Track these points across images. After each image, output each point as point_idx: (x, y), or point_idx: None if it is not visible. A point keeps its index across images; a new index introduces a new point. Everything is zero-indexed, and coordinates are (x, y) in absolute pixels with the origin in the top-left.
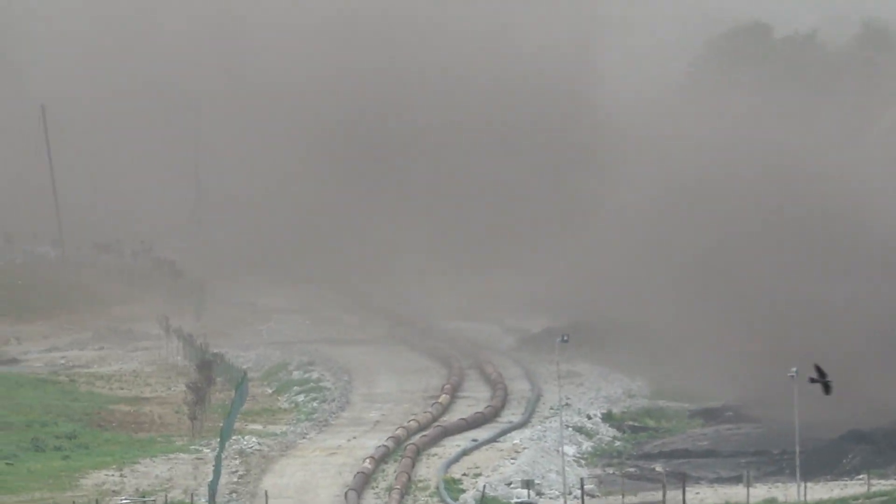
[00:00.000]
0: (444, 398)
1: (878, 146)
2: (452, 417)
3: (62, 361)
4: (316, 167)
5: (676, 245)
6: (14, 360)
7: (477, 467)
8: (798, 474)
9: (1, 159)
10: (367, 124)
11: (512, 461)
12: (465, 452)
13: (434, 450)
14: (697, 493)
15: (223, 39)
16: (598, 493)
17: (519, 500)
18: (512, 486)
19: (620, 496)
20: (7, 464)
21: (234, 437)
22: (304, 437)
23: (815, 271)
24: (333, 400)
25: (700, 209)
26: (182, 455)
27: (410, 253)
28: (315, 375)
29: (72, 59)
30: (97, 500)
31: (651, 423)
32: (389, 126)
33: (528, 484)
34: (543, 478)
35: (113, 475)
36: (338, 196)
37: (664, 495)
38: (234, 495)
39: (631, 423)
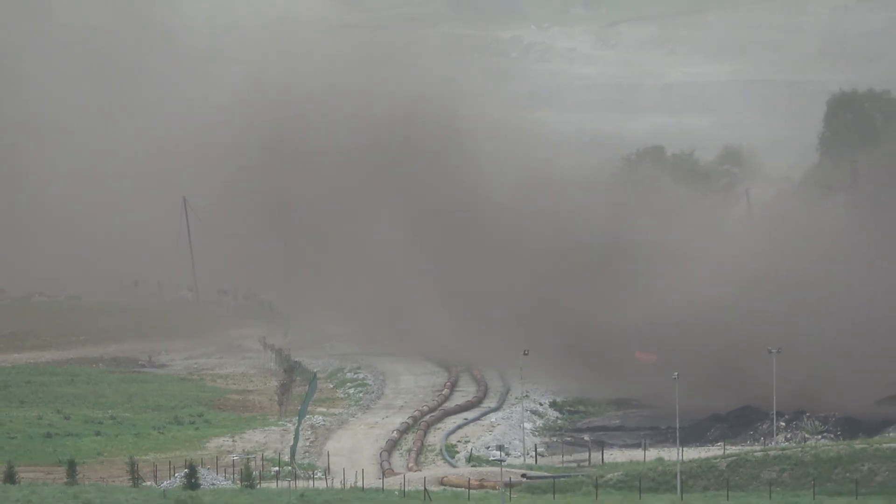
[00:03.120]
0: (445, 391)
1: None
2: (451, 404)
3: (195, 366)
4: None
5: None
6: (164, 365)
7: (467, 437)
8: (678, 442)
9: (155, 232)
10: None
11: (490, 433)
12: (460, 427)
13: (439, 425)
14: (611, 454)
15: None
16: (546, 454)
17: (494, 458)
18: (490, 448)
19: (561, 455)
20: (159, 433)
21: (307, 417)
22: (353, 417)
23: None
24: (373, 392)
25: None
26: (273, 428)
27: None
28: (361, 376)
29: (211, 161)
30: (216, 457)
31: (582, 408)
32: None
33: (500, 447)
34: (510, 443)
35: (227, 440)
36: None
37: (590, 455)
38: (307, 454)
39: (569, 408)
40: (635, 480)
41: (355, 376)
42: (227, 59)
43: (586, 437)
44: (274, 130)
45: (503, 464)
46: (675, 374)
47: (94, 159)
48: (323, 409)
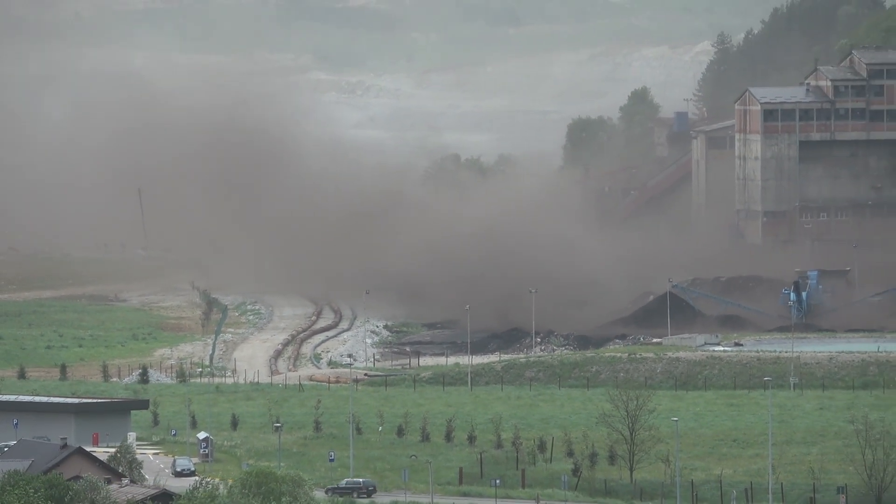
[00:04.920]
0: (313, 318)
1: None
2: (317, 326)
3: (146, 301)
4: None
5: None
6: (125, 300)
7: (327, 349)
8: (469, 352)
9: (119, 208)
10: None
11: (343, 345)
12: (323, 342)
13: (309, 340)
14: (424, 360)
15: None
16: (381, 360)
17: (346, 362)
18: (343, 356)
19: (391, 361)
20: (122, 345)
21: (220, 335)
22: (251, 335)
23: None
24: (265, 318)
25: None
26: (198, 342)
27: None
28: (257, 307)
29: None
30: (160, 362)
31: (405, 328)
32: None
33: (350, 355)
34: (357, 353)
35: (167, 350)
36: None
37: (409, 360)
38: (220, 360)
39: (396, 329)
40: (440, 377)
41: (253, 307)
42: (166, 95)
43: (407, 349)
44: (195, 136)
45: (352, 366)
46: (467, 306)
47: (80, 161)
48: (231, 330)
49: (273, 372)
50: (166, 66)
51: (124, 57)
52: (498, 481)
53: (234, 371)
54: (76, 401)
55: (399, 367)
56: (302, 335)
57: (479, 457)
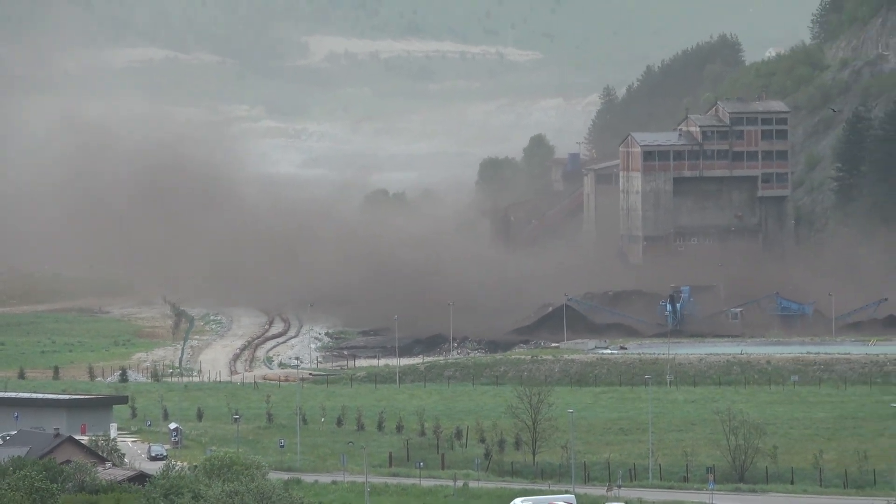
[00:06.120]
0: (266, 326)
1: None
2: (269, 333)
3: (126, 312)
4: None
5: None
6: (108, 312)
7: (278, 353)
8: (397, 355)
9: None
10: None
11: (291, 349)
12: (274, 346)
13: (263, 345)
14: (360, 362)
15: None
16: (323, 362)
17: (294, 364)
18: (291, 358)
19: (331, 363)
20: (105, 350)
21: (188, 341)
22: (214, 341)
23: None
24: (225, 327)
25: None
26: (169, 347)
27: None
28: (220, 317)
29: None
30: (138, 364)
31: (343, 335)
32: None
33: (297, 358)
34: (303, 356)
35: (143, 354)
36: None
37: (347, 362)
38: (188, 362)
39: (335, 336)
40: (374, 377)
41: (215, 318)
42: (118, 138)
43: (345, 352)
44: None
45: (298, 367)
46: (396, 316)
47: (71, 190)
48: (197, 337)
49: (232, 372)
50: (137, 115)
51: (102, 108)
52: (422, 463)
53: (199, 371)
54: (67, 397)
55: (338, 368)
56: (256, 341)
57: (405, 443)
